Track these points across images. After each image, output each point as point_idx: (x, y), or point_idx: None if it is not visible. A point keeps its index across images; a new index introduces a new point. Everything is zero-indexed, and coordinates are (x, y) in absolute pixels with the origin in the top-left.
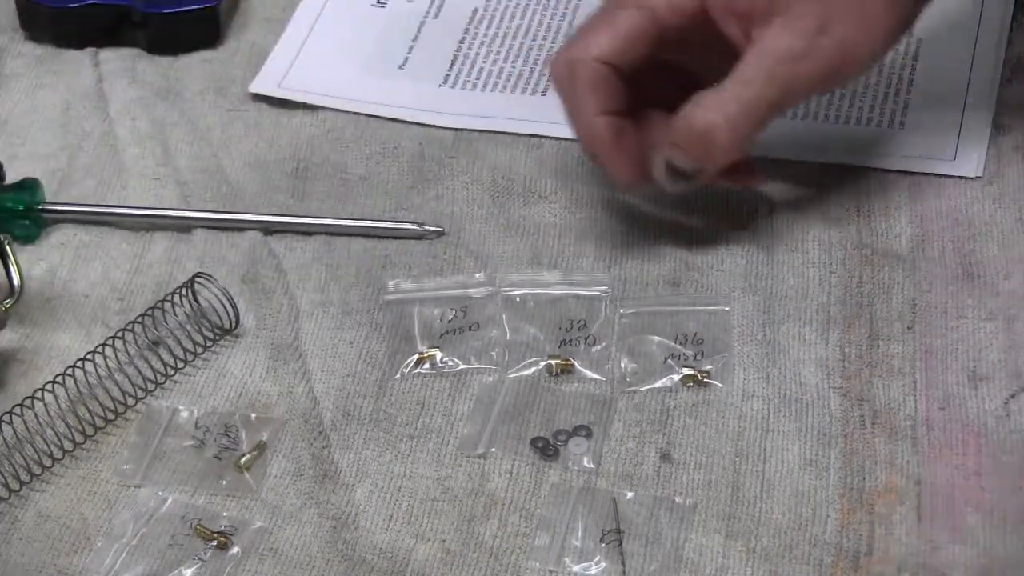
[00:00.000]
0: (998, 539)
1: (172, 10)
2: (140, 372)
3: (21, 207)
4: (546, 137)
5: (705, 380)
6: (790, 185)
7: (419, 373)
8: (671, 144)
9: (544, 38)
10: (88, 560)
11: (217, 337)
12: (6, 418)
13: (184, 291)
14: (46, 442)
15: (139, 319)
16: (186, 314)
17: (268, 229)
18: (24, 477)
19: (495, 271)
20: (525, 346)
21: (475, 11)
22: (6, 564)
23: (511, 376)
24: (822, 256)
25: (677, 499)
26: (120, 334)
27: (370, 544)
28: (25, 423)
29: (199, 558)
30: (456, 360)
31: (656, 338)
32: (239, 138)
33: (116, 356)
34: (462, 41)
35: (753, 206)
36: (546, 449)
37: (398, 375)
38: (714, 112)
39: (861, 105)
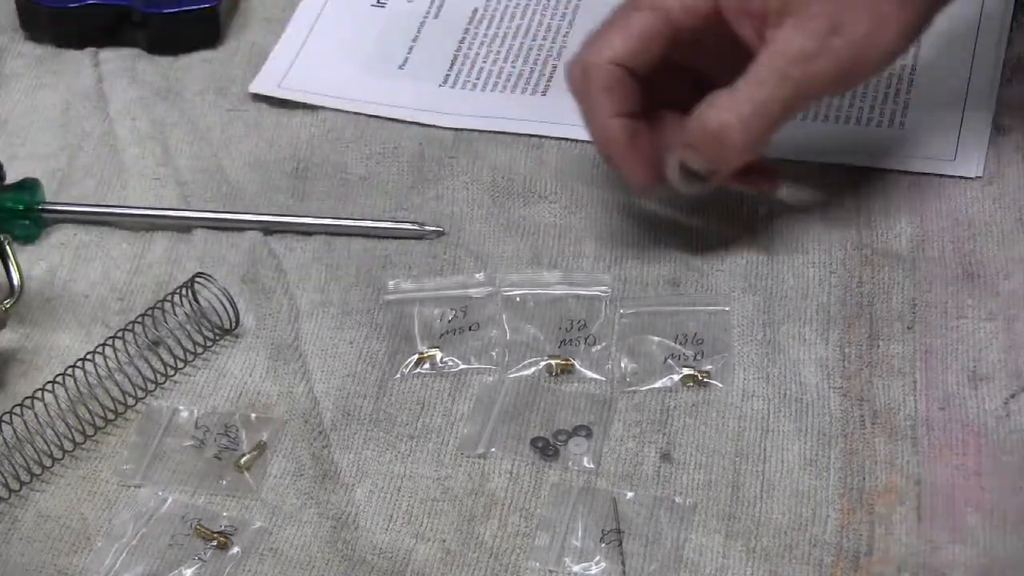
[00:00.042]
0: (998, 539)
1: (172, 10)
2: (140, 372)
3: (21, 207)
4: (546, 137)
5: (705, 380)
6: (790, 185)
7: (419, 373)
8: (685, 145)
9: (544, 38)
10: (88, 560)
11: (217, 337)
12: (6, 418)
13: (184, 291)
14: (46, 442)
15: (139, 319)
16: (186, 314)
17: (268, 229)
18: (24, 477)
19: (495, 271)
20: (525, 346)
21: (475, 11)
22: (6, 564)
23: (511, 376)
24: (822, 256)
25: (677, 499)
26: (120, 334)
27: (370, 544)
28: (25, 423)
29: (199, 558)
30: (456, 360)
31: (656, 338)
32: (239, 138)
33: (116, 356)
34: (462, 41)
35: (753, 206)
36: (546, 449)
37: (398, 375)
38: (727, 112)
39: (861, 105)
